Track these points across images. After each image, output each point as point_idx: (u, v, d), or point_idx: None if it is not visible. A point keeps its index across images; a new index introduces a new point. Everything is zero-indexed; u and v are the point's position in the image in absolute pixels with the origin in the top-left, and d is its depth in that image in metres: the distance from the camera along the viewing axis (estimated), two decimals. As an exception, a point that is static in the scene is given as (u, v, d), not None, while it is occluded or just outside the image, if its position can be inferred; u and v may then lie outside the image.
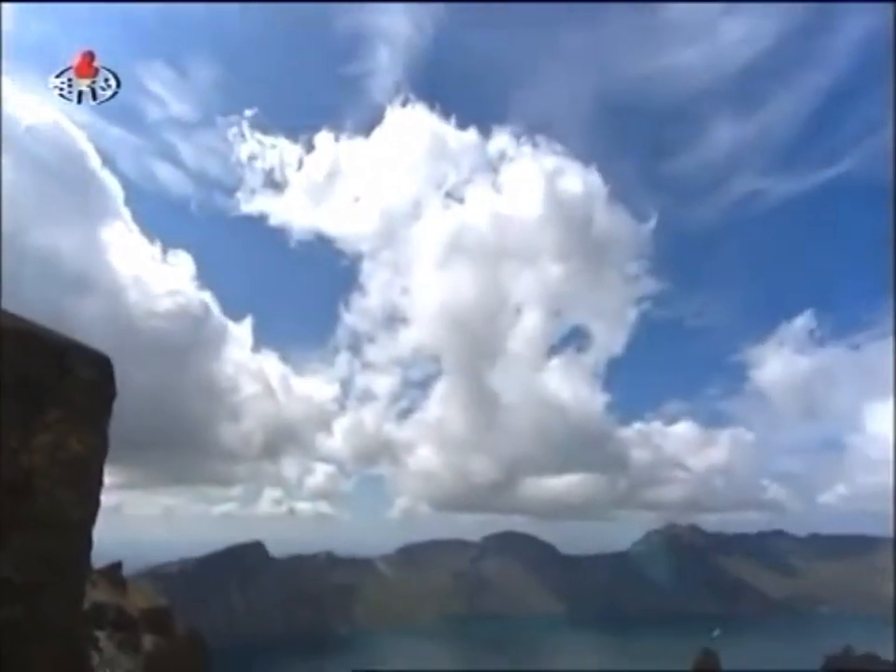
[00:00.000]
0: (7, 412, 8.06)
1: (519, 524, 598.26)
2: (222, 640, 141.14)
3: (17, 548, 7.92)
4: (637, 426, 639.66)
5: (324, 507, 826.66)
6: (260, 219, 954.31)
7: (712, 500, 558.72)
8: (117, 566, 19.74)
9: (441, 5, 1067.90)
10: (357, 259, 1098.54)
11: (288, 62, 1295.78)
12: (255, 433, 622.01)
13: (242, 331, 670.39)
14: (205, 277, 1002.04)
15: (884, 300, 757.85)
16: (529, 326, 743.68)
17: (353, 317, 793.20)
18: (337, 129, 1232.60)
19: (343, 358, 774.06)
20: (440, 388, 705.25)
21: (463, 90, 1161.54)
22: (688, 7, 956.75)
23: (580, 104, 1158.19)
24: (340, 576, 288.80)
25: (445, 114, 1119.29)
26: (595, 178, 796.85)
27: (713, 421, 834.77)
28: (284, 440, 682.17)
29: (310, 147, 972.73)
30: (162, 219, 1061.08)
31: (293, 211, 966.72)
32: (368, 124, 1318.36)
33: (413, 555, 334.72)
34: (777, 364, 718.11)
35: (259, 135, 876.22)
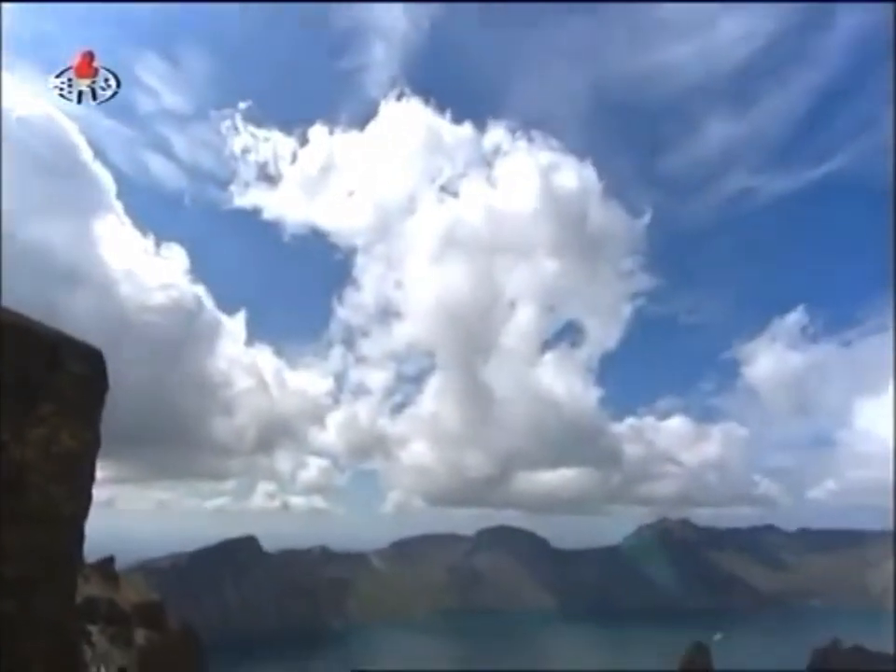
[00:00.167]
0: (-2, 406, 8.01)
1: (512, 518, 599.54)
2: (215, 635, 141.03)
3: (9, 543, 7.89)
4: (630, 421, 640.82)
5: (317, 501, 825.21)
6: (254, 213, 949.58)
7: (704, 495, 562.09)
8: (109, 560, 19.73)
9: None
10: (350, 253, 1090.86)
11: (283, 55, 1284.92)
12: (248, 427, 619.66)
13: (235, 325, 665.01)
14: (199, 271, 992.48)
15: (875, 296, 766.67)
16: (523, 321, 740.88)
17: (347, 311, 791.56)
18: (331, 122, 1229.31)
19: (337, 352, 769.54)
20: (433, 383, 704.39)
21: (458, 84, 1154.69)
22: (683, 5, 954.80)
23: (575, 99, 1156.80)
24: (333, 570, 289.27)
25: (440, 108, 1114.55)
26: (589, 174, 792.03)
27: (706, 416, 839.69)
28: (277, 434, 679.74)
29: (304, 141, 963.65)
30: (155, 212, 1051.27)
31: (287, 204, 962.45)
32: (362, 118, 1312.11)
33: (407, 550, 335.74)
34: (770, 360, 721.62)
35: (252, 128, 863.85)
